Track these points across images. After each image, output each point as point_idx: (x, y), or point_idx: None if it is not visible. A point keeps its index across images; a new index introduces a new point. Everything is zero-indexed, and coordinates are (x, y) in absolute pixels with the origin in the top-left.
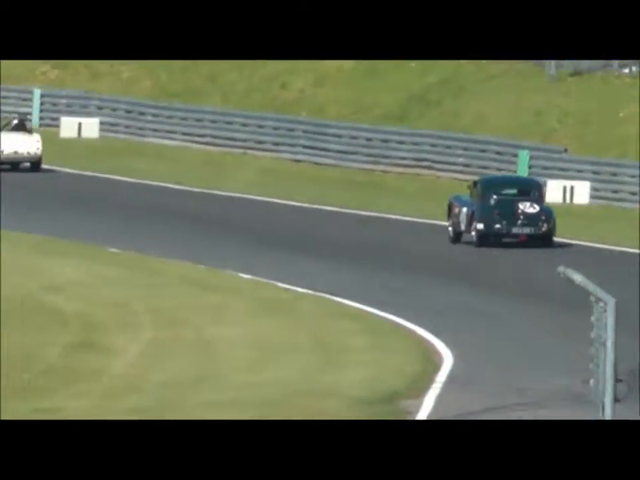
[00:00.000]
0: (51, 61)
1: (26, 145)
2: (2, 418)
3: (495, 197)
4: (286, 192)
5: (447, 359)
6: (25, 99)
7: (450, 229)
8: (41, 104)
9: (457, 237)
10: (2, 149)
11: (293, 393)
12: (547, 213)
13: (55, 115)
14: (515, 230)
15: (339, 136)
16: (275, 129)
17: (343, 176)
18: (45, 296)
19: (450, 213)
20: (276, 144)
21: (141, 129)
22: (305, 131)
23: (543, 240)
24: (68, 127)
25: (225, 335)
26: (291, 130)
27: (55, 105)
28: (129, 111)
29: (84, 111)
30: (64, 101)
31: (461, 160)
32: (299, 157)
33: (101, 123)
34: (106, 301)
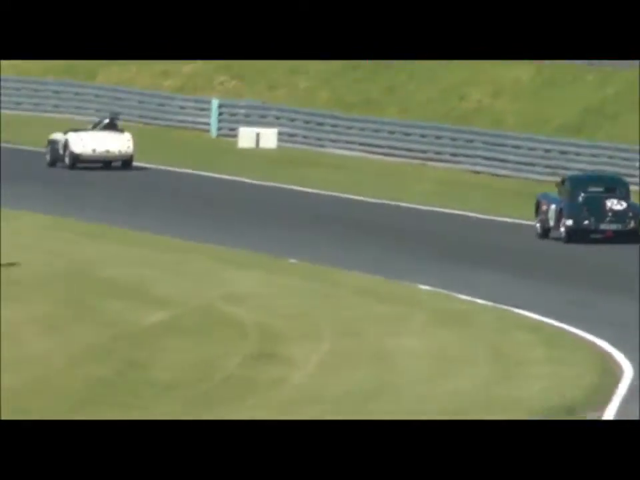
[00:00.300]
0: (230, 72)
1: (117, 143)
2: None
3: (582, 194)
4: (463, 203)
5: (627, 370)
6: (203, 109)
7: (538, 225)
8: (219, 114)
9: (544, 233)
10: (94, 147)
11: (472, 404)
12: (635, 210)
13: (232, 125)
14: (602, 226)
15: (518, 147)
16: (453, 139)
17: (520, 187)
18: (226, 306)
19: (538, 210)
20: (454, 155)
21: (319, 139)
22: (484, 142)
23: (630, 236)
24: (246, 137)
25: (404, 346)
26: (470, 141)
27: (233, 115)
28: (307, 122)
29: (262, 121)
30: (242, 111)
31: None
32: (478, 168)
33: (279, 133)
34: (285, 311)
